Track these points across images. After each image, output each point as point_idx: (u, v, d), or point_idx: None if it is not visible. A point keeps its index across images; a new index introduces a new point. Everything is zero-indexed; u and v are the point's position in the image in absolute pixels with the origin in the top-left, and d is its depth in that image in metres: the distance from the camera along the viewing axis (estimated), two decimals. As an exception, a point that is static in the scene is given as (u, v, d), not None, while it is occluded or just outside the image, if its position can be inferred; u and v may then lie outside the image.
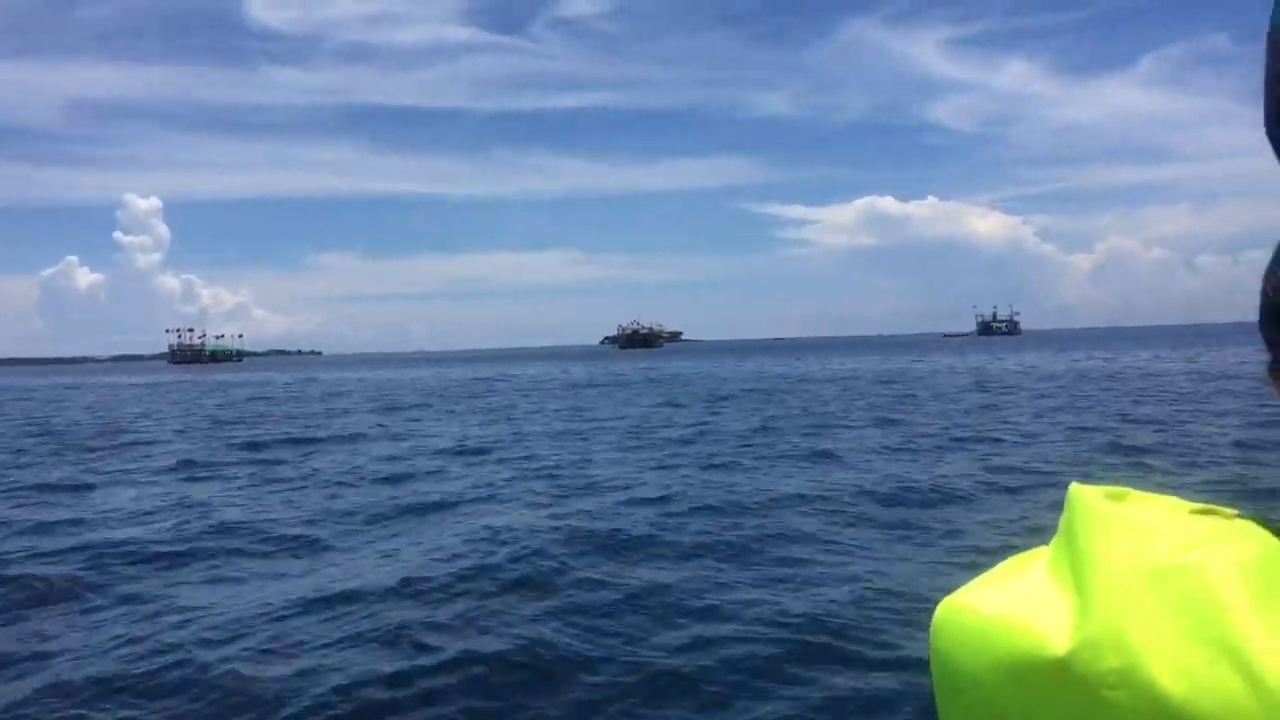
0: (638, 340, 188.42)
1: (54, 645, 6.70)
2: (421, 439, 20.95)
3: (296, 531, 10.53)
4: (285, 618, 7.08)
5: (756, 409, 26.12)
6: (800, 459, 15.10)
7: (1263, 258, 0.66)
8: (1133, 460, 13.46)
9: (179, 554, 9.49)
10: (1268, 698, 0.50)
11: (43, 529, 10.99)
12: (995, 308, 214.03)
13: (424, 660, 6.10)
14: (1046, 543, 0.66)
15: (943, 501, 10.92)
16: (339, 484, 14.10)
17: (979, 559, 7.92)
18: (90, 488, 14.58)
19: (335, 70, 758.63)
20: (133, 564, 9.15)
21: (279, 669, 6.01)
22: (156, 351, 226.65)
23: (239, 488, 14.18)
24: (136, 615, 7.36)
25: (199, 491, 13.81)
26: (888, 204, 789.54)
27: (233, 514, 11.62)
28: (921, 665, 5.95)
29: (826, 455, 15.38)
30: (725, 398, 32.09)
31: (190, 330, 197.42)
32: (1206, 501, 0.62)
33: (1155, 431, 16.58)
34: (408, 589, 7.74)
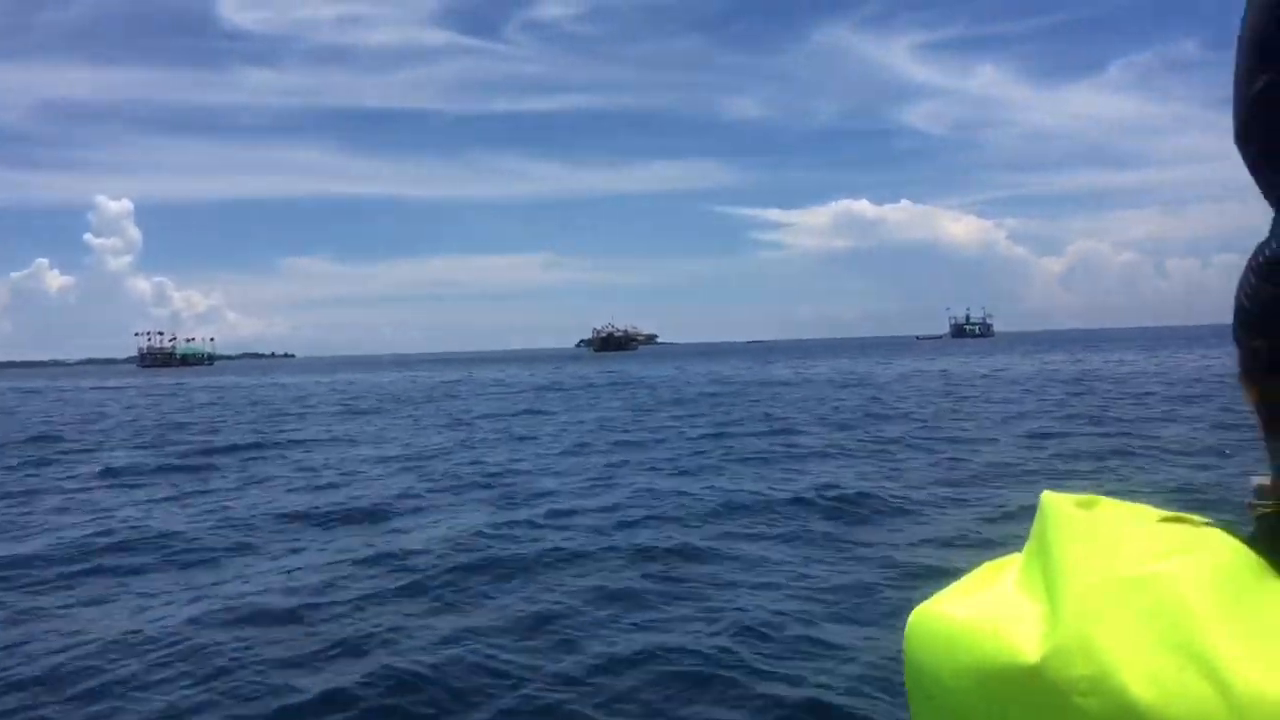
0: (612, 343, 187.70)
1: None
2: (370, 445, 20.45)
3: (203, 543, 10.17)
4: (166, 637, 6.73)
5: (712, 413, 25.77)
6: (747, 464, 14.72)
7: (1233, 261, 0.67)
8: (1099, 465, 13.22)
9: (74, 570, 9.08)
10: (1237, 705, 0.49)
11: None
12: (968, 310, 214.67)
13: (305, 682, 5.75)
14: (994, 555, 0.67)
15: (891, 513, 10.53)
16: (267, 493, 13.63)
17: (913, 578, 7.56)
18: (8, 496, 14.02)
19: (308, 72, 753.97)
20: (20, 579, 8.69)
21: (157, 693, 5.69)
22: (127, 355, 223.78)
23: (161, 498, 13.62)
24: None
25: (116, 500, 13.33)
26: (862, 207, 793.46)
27: (143, 526, 11.16)
28: (828, 688, 5.63)
29: (769, 461, 15.02)
30: (686, 401, 31.74)
31: (160, 333, 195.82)
32: (1175, 508, 0.62)
33: (1120, 435, 16.34)
34: (296, 605, 7.44)
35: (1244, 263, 0.64)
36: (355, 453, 18.95)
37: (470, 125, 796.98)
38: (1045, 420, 19.77)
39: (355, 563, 8.88)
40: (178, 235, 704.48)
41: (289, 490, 13.92)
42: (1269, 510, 0.60)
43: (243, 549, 9.92)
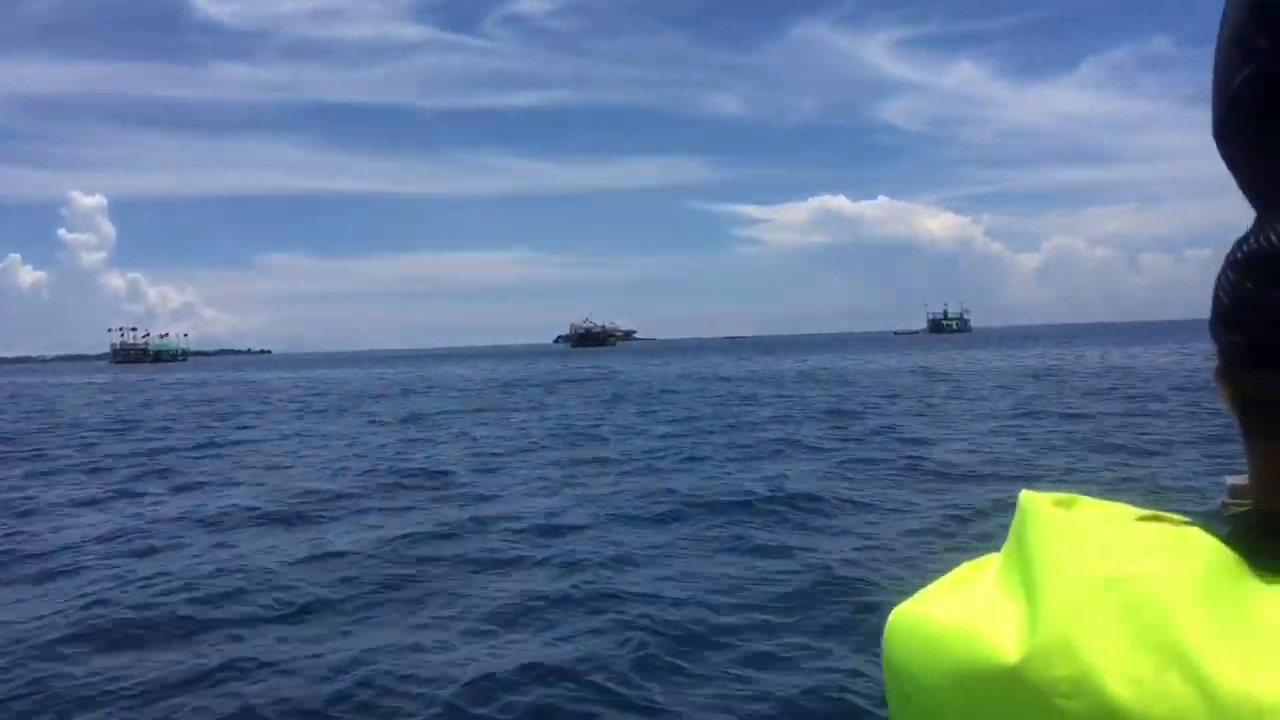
0: (590, 339, 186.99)
1: None
2: (317, 444, 19.69)
3: (96, 551, 9.41)
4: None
5: (675, 410, 25.16)
6: (703, 463, 14.09)
7: (1206, 256, 0.63)
8: (1074, 461, 12.73)
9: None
10: (1218, 704, 0.50)
11: None
12: (946, 306, 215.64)
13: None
14: (966, 554, 0.65)
15: (852, 510, 9.88)
16: (193, 496, 12.88)
17: (864, 582, 6.92)
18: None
19: (283, 66, 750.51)
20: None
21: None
22: (101, 351, 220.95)
23: (83, 501, 12.83)
24: None
25: (33, 503, 12.55)
26: (840, 203, 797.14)
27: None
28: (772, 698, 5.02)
29: (730, 460, 14.40)
30: (652, 397, 31.13)
31: (134, 329, 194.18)
32: (1153, 506, 0.62)
33: (1095, 432, 15.85)
34: (187, 616, 6.88)
35: (1218, 258, 0.63)
36: (300, 453, 18.18)
37: (448, 120, 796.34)
38: (1018, 417, 19.24)
39: (266, 570, 8.24)
40: (152, 231, 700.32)
41: (218, 492, 13.17)
42: (1245, 509, 0.60)
43: (143, 553, 9.26)
